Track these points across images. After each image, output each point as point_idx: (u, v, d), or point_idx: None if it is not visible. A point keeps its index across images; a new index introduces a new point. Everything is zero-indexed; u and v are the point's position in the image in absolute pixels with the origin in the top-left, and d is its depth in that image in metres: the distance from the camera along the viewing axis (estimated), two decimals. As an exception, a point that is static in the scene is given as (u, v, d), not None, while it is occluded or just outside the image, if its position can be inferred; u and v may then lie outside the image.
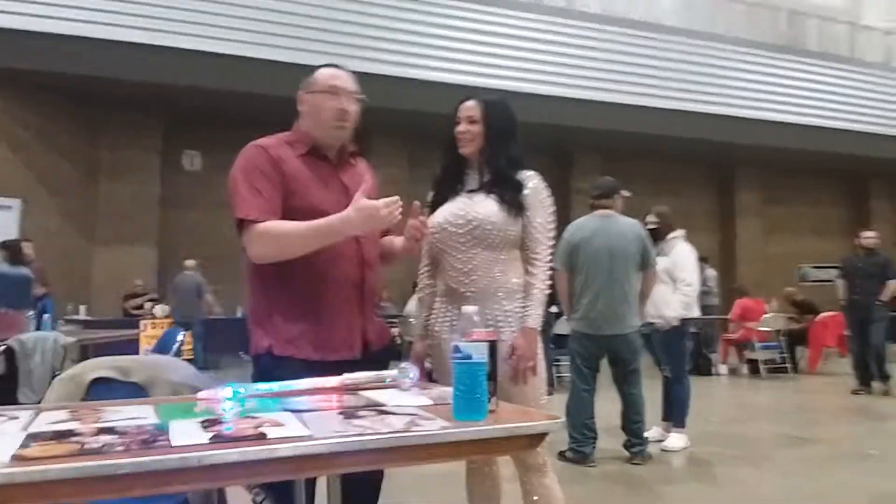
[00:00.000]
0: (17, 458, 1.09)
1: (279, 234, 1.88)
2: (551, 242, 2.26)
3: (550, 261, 2.25)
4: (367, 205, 1.80)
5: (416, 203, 2.01)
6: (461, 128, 2.25)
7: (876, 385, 7.46)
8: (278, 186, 1.94)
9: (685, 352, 5.13)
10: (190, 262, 9.87)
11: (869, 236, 7.63)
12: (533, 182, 2.25)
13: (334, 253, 1.94)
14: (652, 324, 4.81)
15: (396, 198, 1.85)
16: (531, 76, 11.12)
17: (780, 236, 15.77)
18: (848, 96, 13.86)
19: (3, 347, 3.72)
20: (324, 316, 1.96)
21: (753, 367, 9.18)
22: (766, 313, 9.33)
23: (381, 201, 1.83)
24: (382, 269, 2.22)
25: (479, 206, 2.18)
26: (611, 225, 4.42)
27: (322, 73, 2.06)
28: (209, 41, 9.41)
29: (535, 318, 2.16)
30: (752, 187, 15.57)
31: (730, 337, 9.80)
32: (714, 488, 3.89)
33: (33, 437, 1.24)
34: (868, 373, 7.45)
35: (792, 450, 4.91)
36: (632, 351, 4.41)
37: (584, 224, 4.47)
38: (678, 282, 4.83)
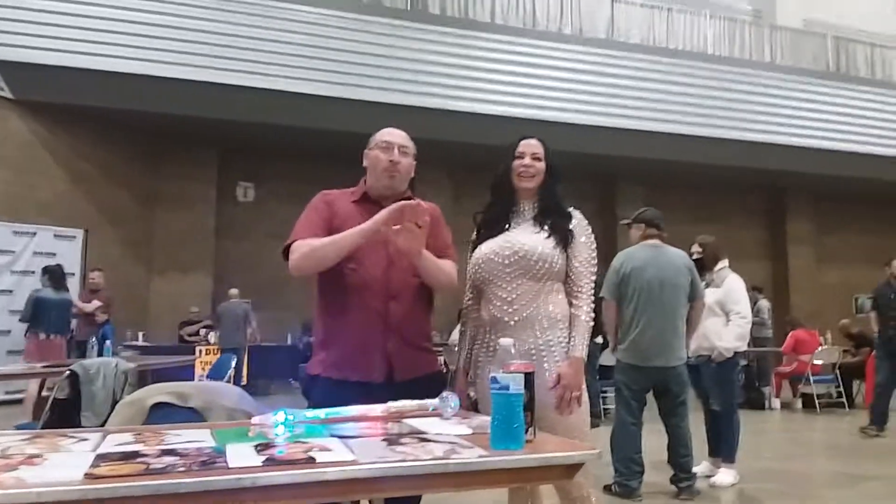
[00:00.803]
0: (89, 476, 1.19)
1: (312, 245, 2.15)
2: (594, 276, 2.34)
3: (593, 293, 2.32)
4: (394, 204, 2.00)
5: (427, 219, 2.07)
6: (527, 162, 2.37)
7: None
8: (326, 221, 2.20)
9: (736, 385, 5.05)
10: (234, 291, 10.11)
11: None
12: (577, 217, 2.36)
13: (361, 285, 2.16)
14: (703, 356, 4.77)
15: (418, 201, 2.03)
16: (574, 106, 11.17)
17: (834, 266, 15.33)
18: (899, 122, 13.53)
19: (67, 372, 3.90)
20: (347, 341, 2.17)
21: (807, 401, 8.90)
22: (820, 345, 9.07)
23: (401, 203, 2.01)
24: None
25: (525, 237, 2.28)
26: (660, 255, 4.41)
27: (378, 133, 2.33)
28: (262, 78, 9.76)
29: (580, 348, 2.22)
30: (804, 216, 15.21)
31: (783, 370, 9.54)
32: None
33: (102, 458, 1.34)
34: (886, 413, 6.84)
35: (846, 489, 4.75)
36: (680, 383, 4.37)
37: (634, 254, 4.44)
38: (731, 313, 4.78)
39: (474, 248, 2.40)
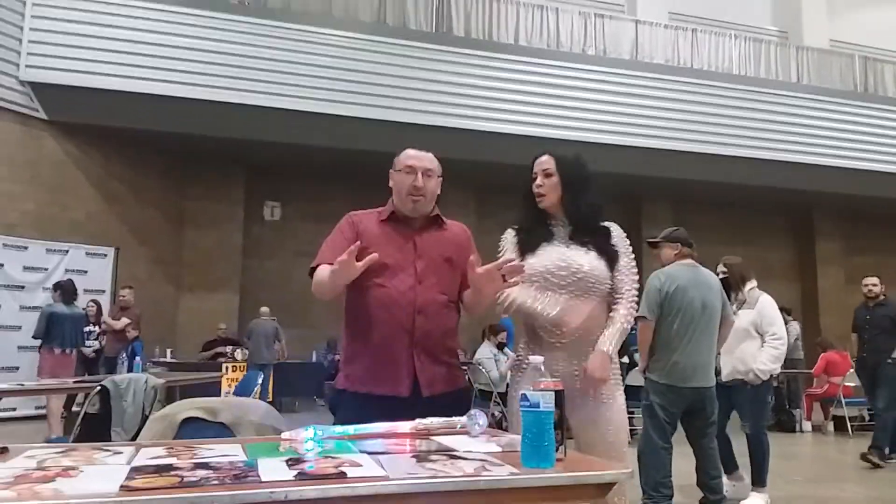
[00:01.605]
0: (125, 489, 1.21)
1: (316, 279, 2.24)
2: (636, 284, 2.34)
3: (636, 300, 2.32)
4: (342, 258, 2.01)
5: (472, 258, 2.10)
6: (538, 182, 2.36)
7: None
8: (350, 242, 2.16)
9: (768, 408, 4.98)
10: (265, 309, 10.25)
11: (869, 283, 6.66)
12: (615, 230, 2.36)
13: (388, 301, 2.19)
14: (738, 379, 4.71)
15: (355, 249, 2.01)
16: (599, 126, 11.18)
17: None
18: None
19: (98, 388, 3.97)
20: (373, 356, 2.20)
21: (839, 424, 8.71)
22: (851, 367, 8.88)
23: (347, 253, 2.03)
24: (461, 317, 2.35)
25: (580, 258, 2.26)
26: (699, 276, 4.38)
27: (403, 154, 2.33)
28: (289, 99, 9.91)
29: (608, 344, 2.22)
30: (833, 236, 14.98)
31: (814, 392, 9.36)
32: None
33: (137, 470, 1.36)
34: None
35: (882, 514, 4.64)
36: (713, 403, 4.33)
37: (676, 274, 4.36)
38: (767, 335, 4.74)
39: (521, 256, 2.35)
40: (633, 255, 2.36)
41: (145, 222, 11.01)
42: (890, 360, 6.26)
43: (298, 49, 10.09)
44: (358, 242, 2.07)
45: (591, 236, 2.30)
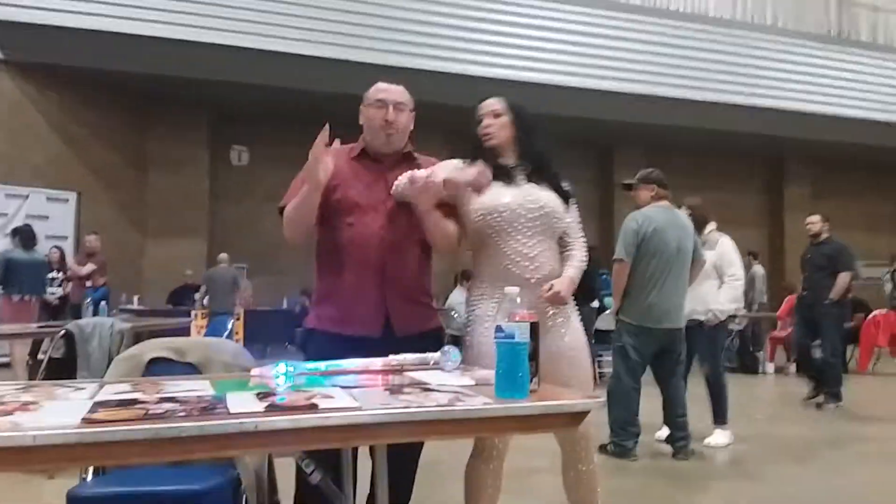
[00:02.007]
0: (87, 421, 1.17)
1: (287, 213, 2.18)
2: (583, 235, 2.38)
3: (586, 246, 2.37)
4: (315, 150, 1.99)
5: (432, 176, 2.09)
6: (485, 122, 2.30)
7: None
8: None
9: (723, 347, 5.10)
10: (223, 256, 10.00)
11: (809, 222, 6.59)
12: (565, 181, 2.36)
13: (358, 240, 2.15)
14: (696, 320, 4.76)
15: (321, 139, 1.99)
16: (572, 69, 11.04)
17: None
18: (901, 88, 13.44)
19: (62, 332, 3.89)
20: (344, 296, 2.16)
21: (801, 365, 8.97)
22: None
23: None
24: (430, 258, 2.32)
25: (543, 195, 2.23)
26: (675, 218, 4.39)
27: (373, 88, 2.27)
28: (256, 38, 9.59)
29: (573, 272, 2.25)
30: (801, 182, 15.17)
31: (778, 335, 9.61)
32: (756, 484, 3.84)
33: (100, 405, 1.32)
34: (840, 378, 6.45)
35: (838, 449, 4.80)
36: (683, 344, 4.42)
37: (653, 216, 4.34)
38: (726, 276, 4.82)
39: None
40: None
41: (108, 166, 10.71)
42: (827, 301, 6.24)
43: (264, -13, 9.73)
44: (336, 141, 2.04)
45: (547, 178, 2.28)
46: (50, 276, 7.92)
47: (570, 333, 2.24)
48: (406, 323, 2.16)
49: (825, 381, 6.45)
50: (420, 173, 2.08)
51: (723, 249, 4.89)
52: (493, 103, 2.33)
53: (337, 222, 2.17)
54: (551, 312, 2.20)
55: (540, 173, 2.27)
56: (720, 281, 4.83)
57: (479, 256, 2.26)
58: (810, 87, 12.61)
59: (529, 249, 2.18)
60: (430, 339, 2.16)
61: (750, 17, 12.89)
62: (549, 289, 2.14)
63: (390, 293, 2.15)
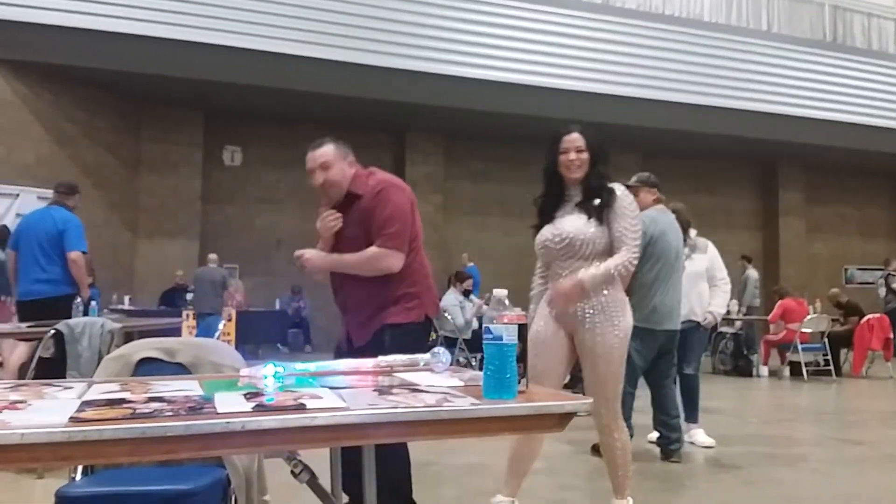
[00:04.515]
0: (75, 420, 1.16)
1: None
2: (638, 240, 2.68)
3: (636, 251, 2.64)
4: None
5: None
6: (572, 157, 2.67)
7: None
8: None
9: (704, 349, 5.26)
10: (213, 256, 9.96)
11: None
12: (618, 190, 2.68)
13: (331, 280, 2.77)
14: (693, 321, 4.80)
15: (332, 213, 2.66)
16: (569, 73, 11.07)
17: (824, 237, 15.44)
18: (894, 94, 13.50)
19: (52, 332, 3.86)
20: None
21: (795, 369, 9.00)
22: (808, 314, 9.15)
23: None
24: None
25: (569, 225, 2.66)
26: (673, 221, 4.46)
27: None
28: (249, 38, 9.58)
29: (588, 275, 2.57)
30: (796, 186, 15.25)
31: (771, 338, 9.63)
32: (747, 486, 3.85)
33: (88, 404, 1.32)
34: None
35: (830, 451, 4.83)
36: (675, 345, 4.46)
37: (657, 218, 4.36)
38: (718, 279, 4.95)
39: (537, 231, 2.80)
40: (634, 217, 2.65)
41: (99, 166, 10.66)
42: None
43: (259, -13, 9.72)
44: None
45: (591, 202, 2.64)
46: None
47: (604, 332, 2.60)
48: (359, 336, 2.67)
49: None
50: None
51: (714, 254, 5.02)
52: (578, 139, 2.68)
53: None
54: (587, 312, 2.61)
55: (589, 201, 2.65)
56: (709, 284, 4.92)
57: (546, 273, 2.86)
58: (805, 92, 12.67)
59: (563, 270, 2.69)
60: (381, 335, 2.60)
61: (745, 22, 12.95)
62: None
63: (347, 311, 2.79)
